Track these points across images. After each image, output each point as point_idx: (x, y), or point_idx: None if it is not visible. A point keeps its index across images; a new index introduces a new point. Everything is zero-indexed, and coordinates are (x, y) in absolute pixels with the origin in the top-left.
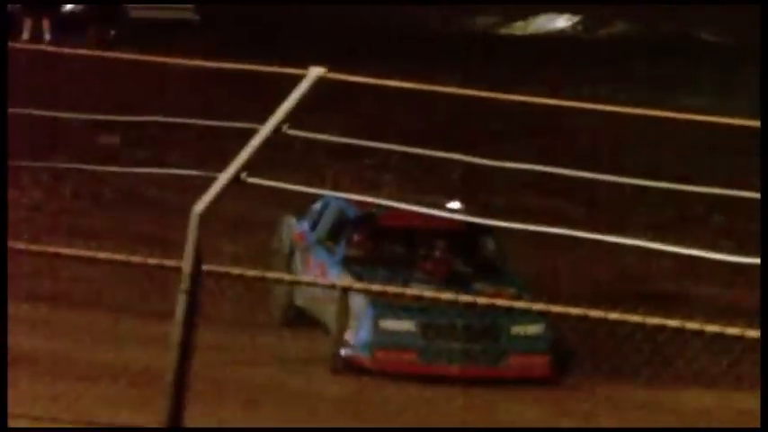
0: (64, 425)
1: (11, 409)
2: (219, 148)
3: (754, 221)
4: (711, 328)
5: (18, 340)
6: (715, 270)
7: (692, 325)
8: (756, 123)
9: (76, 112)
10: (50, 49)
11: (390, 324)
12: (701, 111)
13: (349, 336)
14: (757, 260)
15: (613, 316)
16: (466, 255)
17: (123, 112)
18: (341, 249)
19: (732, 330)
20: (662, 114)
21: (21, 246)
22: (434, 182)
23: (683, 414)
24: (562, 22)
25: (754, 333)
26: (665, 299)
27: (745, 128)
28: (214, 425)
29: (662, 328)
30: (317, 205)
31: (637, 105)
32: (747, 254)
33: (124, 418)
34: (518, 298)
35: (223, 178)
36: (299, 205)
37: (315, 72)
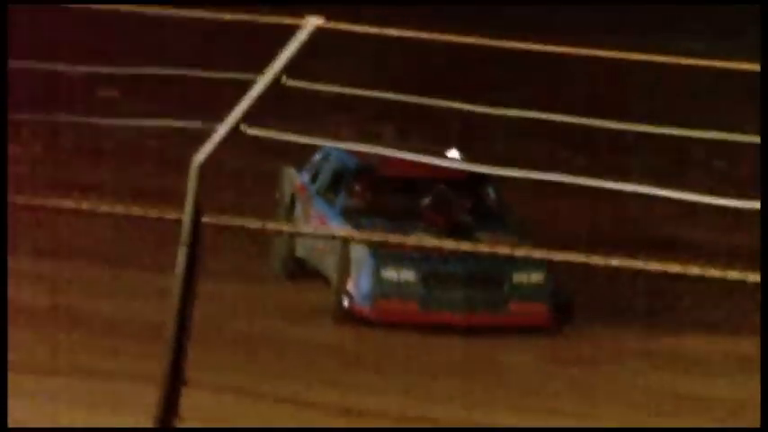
0: (64, 377)
1: (9, 358)
2: (219, 100)
3: (754, 166)
4: (712, 272)
5: (19, 294)
6: (715, 215)
7: (693, 270)
8: (756, 67)
9: (75, 65)
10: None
11: (391, 274)
12: (700, 55)
13: (350, 286)
14: (757, 204)
15: (614, 262)
16: (466, 203)
17: (122, 64)
18: (341, 200)
19: (733, 274)
20: (663, 59)
21: (21, 199)
22: (434, 131)
23: (683, 361)
24: None
25: (754, 277)
26: (665, 244)
27: (745, 72)
28: (215, 375)
29: (662, 273)
30: (317, 156)
31: (635, 50)
32: (749, 198)
33: (126, 370)
34: (519, 246)
35: (222, 129)
36: (301, 156)
37: (313, 22)
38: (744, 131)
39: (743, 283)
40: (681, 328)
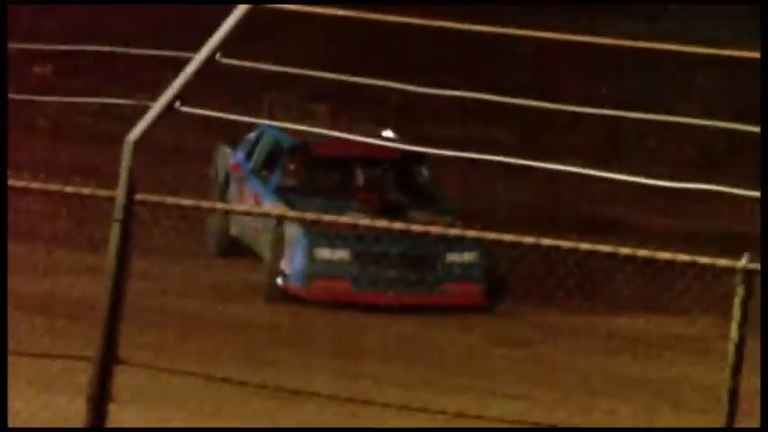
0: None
1: None
2: (155, 78)
3: (687, 147)
4: (643, 252)
5: None
6: (647, 197)
7: (625, 250)
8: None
9: (9, 41)
10: None
11: (325, 253)
12: (634, 36)
13: (283, 265)
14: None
15: (546, 242)
16: (400, 183)
17: (57, 41)
18: (275, 179)
19: (663, 255)
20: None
21: None
22: (369, 111)
23: (617, 338)
24: None
25: (684, 257)
26: (599, 225)
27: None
28: (148, 354)
29: (594, 253)
30: (252, 135)
31: (575, 32)
32: (682, 179)
33: (58, 348)
34: (452, 226)
35: (157, 107)
36: (236, 135)
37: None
38: (680, 113)
39: (673, 263)
40: (614, 309)
